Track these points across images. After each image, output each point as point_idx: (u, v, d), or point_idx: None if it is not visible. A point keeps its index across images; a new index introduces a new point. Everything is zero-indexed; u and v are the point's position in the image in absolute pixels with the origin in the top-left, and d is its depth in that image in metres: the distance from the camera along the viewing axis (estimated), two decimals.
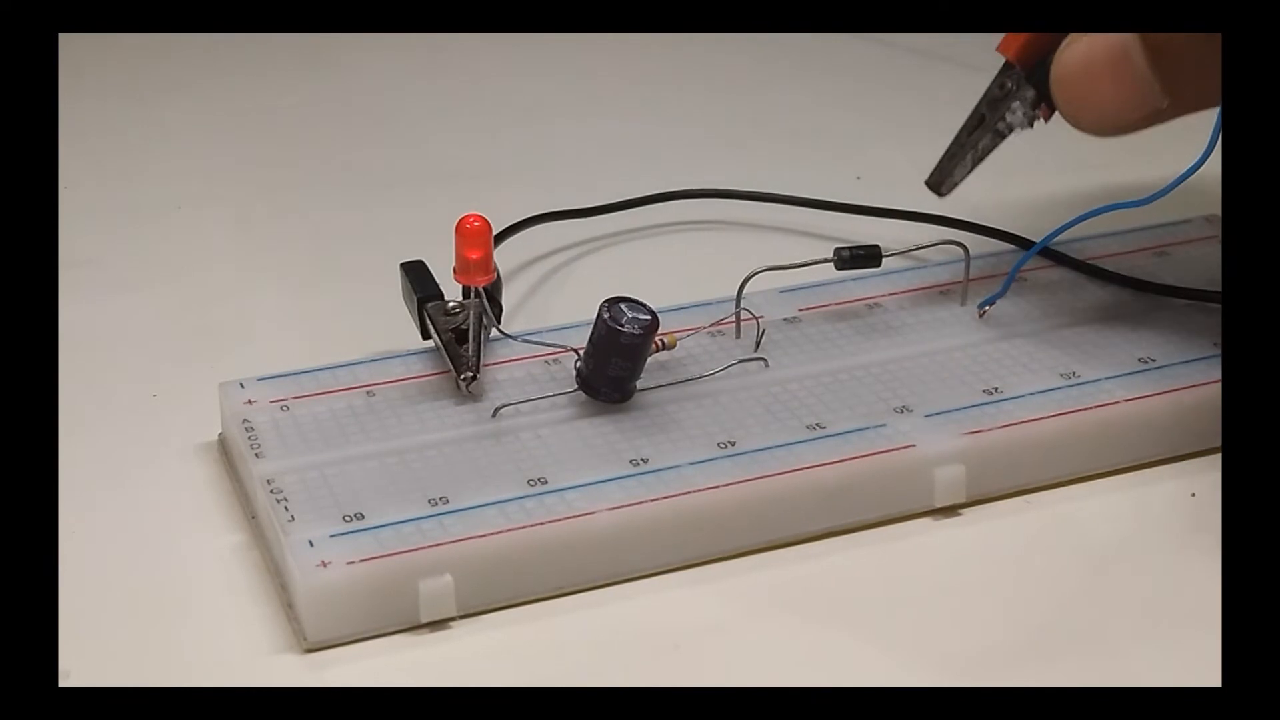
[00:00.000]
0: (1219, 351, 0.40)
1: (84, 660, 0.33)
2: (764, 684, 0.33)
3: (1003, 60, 0.41)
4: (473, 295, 0.40)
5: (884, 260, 0.43)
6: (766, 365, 0.40)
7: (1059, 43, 0.39)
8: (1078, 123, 0.39)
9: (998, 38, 0.41)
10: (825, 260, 0.42)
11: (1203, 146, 0.37)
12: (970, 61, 0.58)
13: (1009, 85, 0.41)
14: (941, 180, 0.43)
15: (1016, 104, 0.41)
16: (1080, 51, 0.39)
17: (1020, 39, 0.41)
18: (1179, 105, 0.38)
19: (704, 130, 0.59)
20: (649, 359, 0.39)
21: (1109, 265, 0.44)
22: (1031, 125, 0.41)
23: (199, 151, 0.58)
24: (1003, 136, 0.42)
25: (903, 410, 0.39)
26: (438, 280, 0.42)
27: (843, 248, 0.43)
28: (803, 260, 0.42)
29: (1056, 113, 0.40)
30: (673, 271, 0.48)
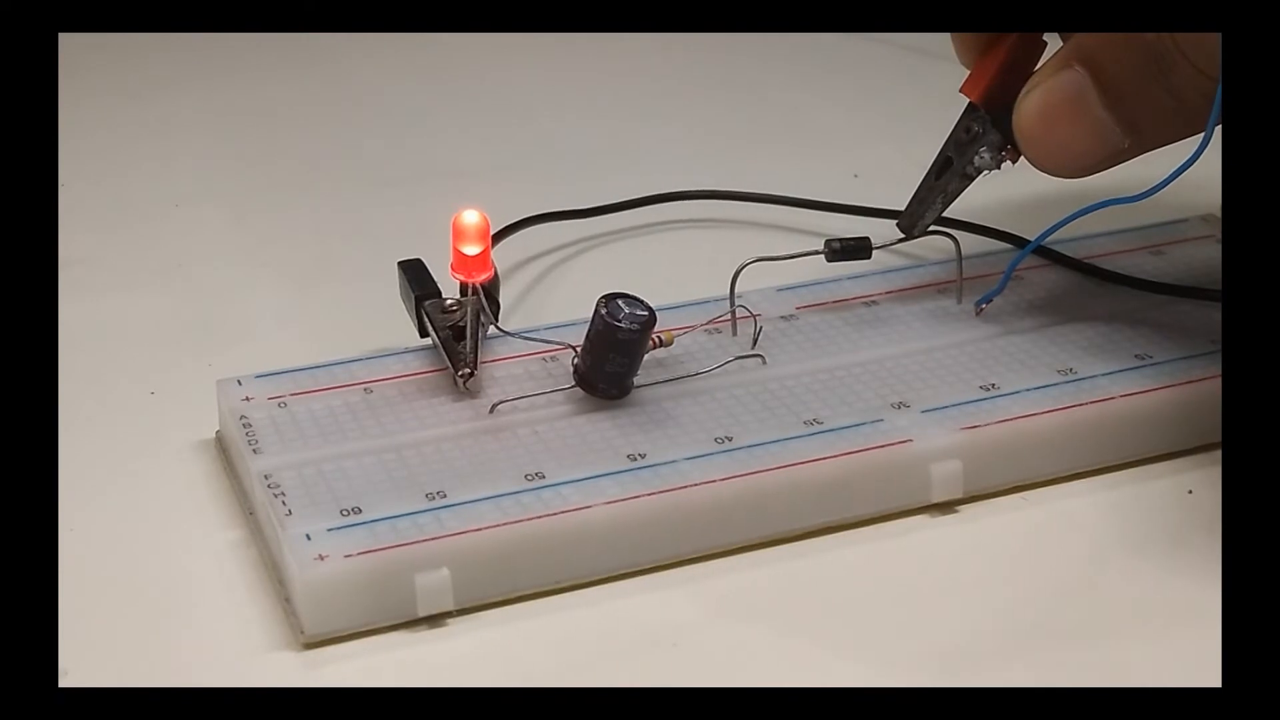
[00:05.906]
0: (1215, 348, 0.40)
1: (83, 658, 0.33)
2: (762, 682, 0.33)
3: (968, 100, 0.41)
4: (470, 292, 0.40)
5: (876, 254, 0.43)
6: (764, 362, 0.40)
7: (1022, 84, 0.40)
8: (1043, 168, 0.40)
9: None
10: (816, 252, 0.42)
11: (1195, 144, 0.37)
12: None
13: (975, 129, 0.41)
14: (913, 224, 0.43)
15: (984, 148, 0.41)
16: (1038, 99, 0.39)
17: (983, 81, 0.41)
18: (1140, 143, 0.39)
19: (702, 130, 0.59)
20: (646, 356, 0.39)
21: (1105, 264, 0.44)
22: (999, 167, 0.41)
23: (196, 149, 0.58)
24: (970, 179, 0.42)
25: (900, 406, 0.39)
26: (435, 278, 0.42)
27: (833, 239, 0.43)
28: (794, 252, 0.42)
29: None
30: (670, 271, 0.48)
